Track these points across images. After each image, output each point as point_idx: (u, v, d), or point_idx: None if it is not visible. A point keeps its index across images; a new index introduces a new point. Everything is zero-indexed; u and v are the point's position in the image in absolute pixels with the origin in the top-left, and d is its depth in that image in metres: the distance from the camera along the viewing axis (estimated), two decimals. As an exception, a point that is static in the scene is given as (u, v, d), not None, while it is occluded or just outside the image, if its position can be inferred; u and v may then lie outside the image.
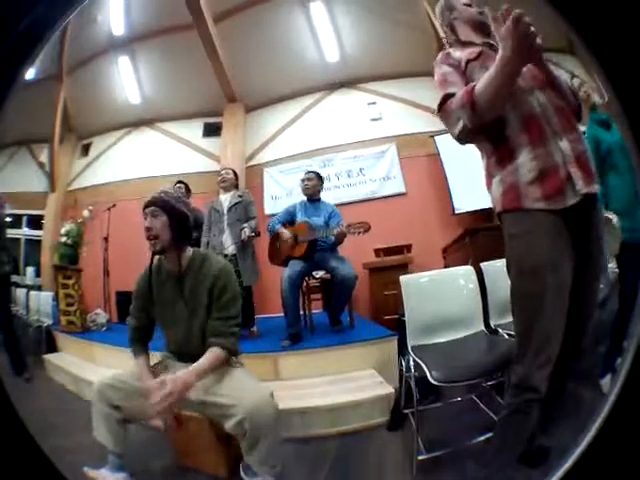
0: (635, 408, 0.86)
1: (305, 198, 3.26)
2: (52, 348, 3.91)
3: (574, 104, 1.47)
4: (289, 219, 3.23)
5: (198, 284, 1.73)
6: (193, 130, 4.77)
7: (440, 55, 1.60)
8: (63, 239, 4.08)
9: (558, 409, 1.45)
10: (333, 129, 4.29)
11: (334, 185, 4.03)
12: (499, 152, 1.43)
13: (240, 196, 3.34)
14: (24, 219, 4.82)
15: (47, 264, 4.68)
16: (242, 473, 1.60)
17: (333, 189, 3.96)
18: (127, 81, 4.77)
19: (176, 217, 1.72)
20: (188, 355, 1.76)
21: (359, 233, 2.80)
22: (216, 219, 3.27)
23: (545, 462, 1.33)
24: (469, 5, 1.70)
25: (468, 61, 1.50)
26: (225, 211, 3.28)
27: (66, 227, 4.13)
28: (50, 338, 3.95)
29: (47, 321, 4.02)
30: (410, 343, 1.89)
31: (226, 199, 3.33)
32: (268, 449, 1.48)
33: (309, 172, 3.30)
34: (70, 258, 4.05)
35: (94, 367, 3.30)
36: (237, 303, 1.76)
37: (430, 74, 1.75)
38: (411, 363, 1.75)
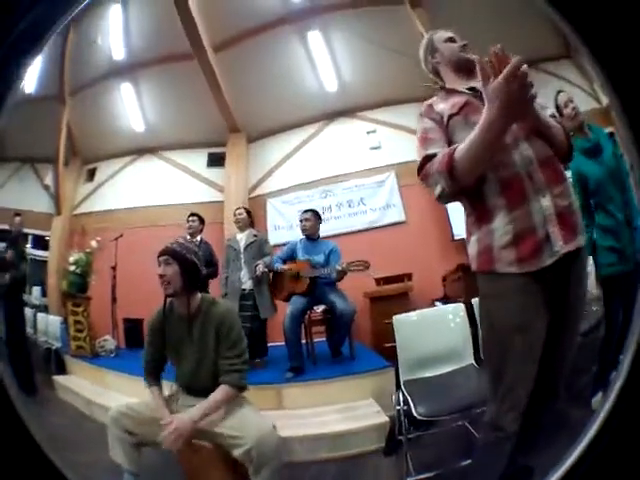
0: (626, 423, 0.94)
1: (304, 236, 3.62)
2: (61, 369, 4.21)
3: (564, 147, 1.55)
4: (290, 256, 3.60)
5: (206, 327, 2.06)
6: (197, 160, 5.10)
7: (423, 107, 1.69)
8: (72, 268, 4.43)
9: (542, 433, 1.59)
10: (334, 159, 4.58)
11: (335, 215, 4.32)
12: (477, 212, 1.52)
13: (255, 235, 3.79)
14: (29, 238, 5.02)
15: (53, 286, 4.92)
16: None
17: (334, 219, 4.25)
18: (130, 108, 5.10)
19: (187, 266, 2.07)
20: (196, 390, 2.10)
21: (359, 271, 3.17)
22: (233, 257, 3.70)
23: (529, 480, 1.50)
24: (452, 40, 1.78)
25: (450, 116, 1.57)
26: (242, 249, 3.72)
27: (74, 256, 4.47)
28: (59, 360, 4.26)
29: (56, 344, 4.34)
30: (402, 378, 2.21)
31: (242, 238, 3.78)
32: (272, 472, 1.80)
33: (307, 211, 3.68)
34: (79, 287, 4.43)
35: (105, 391, 3.67)
36: (242, 343, 2.08)
37: (429, 99, 1.81)
38: (401, 398, 2.05)
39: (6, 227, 4.99)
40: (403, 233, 4.08)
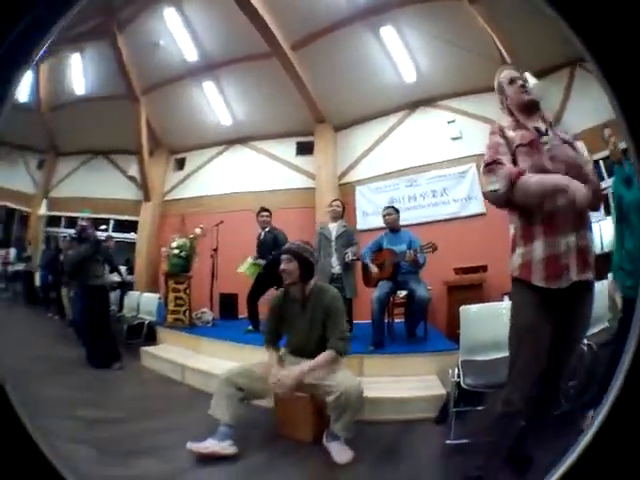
0: (624, 424, 1.18)
1: (387, 230, 4.62)
2: (149, 340, 5.40)
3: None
4: (377, 248, 4.61)
5: (317, 307, 3.14)
6: (287, 149, 6.21)
7: (495, 126, 2.32)
8: (175, 251, 5.65)
9: (548, 427, 2.29)
10: (417, 149, 5.41)
11: (419, 205, 5.20)
12: (524, 231, 2.20)
13: (344, 226, 4.85)
14: (111, 223, 6.55)
15: (142, 265, 6.47)
16: (324, 439, 2.92)
17: (419, 208, 5.13)
18: (215, 104, 6.29)
19: (303, 263, 3.14)
20: (304, 353, 3.16)
21: (427, 252, 4.19)
22: (325, 244, 4.80)
23: (528, 469, 2.19)
24: (514, 81, 2.38)
25: (519, 145, 2.22)
26: (333, 238, 4.80)
27: (178, 241, 5.69)
28: (149, 332, 5.48)
29: (149, 318, 5.64)
30: (461, 358, 3.15)
31: (334, 228, 4.86)
32: (350, 418, 2.83)
33: (388, 207, 4.67)
34: (182, 267, 5.66)
35: (201, 357, 4.76)
36: (343, 319, 3.14)
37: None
38: (456, 372, 3.02)
39: (72, 214, 6.53)
40: (482, 225, 4.76)
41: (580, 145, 2.35)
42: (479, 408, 2.96)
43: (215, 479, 2.79)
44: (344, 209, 5.02)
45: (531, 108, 2.38)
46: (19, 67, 1.18)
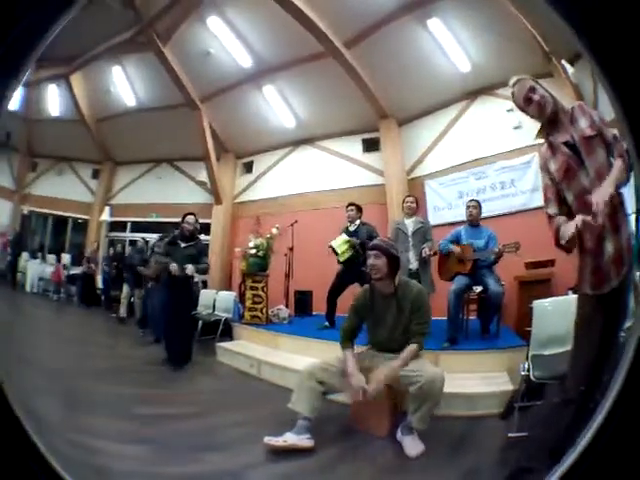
0: (625, 421, 1.24)
1: (467, 223, 4.79)
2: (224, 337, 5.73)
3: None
4: (454, 241, 4.77)
5: (403, 301, 3.38)
6: (353, 146, 6.43)
7: (541, 160, 2.73)
8: (252, 251, 6.06)
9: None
10: (481, 139, 5.49)
11: (489, 197, 5.24)
12: (579, 250, 2.56)
13: (421, 222, 5.09)
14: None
15: (215, 265, 6.77)
16: (398, 433, 3.16)
17: (488, 201, 5.13)
18: (277, 107, 6.59)
19: (391, 258, 3.38)
20: (387, 347, 3.42)
21: (511, 252, 4.35)
22: (402, 239, 5.02)
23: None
24: (529, 100, 2.66)
25: (559, 181, 2.59)
26: (410, 234, 5.04)
27: (255, 241, 6.10)
28: (224, 329, 5.83)
29: (225, 315, 6.04)
30: (531, 352, 3.32)
31: (410, 223, 5.10)
32: (429, 409, 3.04)
33: (472, 200, 4.85)
34: (260, 266, 6.06)
35: (278, 353, 5.05)
36: (428, 314, 3.38)
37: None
38: (526, 366, 3.21)
39: (139, 219, 7.21)
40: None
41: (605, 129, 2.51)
42: (538, 403, 3.18)
43: (291, 472, 2.96)
44: (418, 205, 5.22)
45: (555, 119, 2.64)
46: (18, 69, 1.24)
